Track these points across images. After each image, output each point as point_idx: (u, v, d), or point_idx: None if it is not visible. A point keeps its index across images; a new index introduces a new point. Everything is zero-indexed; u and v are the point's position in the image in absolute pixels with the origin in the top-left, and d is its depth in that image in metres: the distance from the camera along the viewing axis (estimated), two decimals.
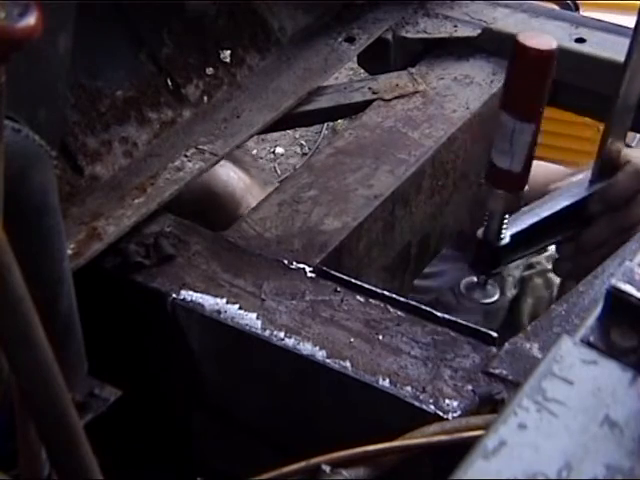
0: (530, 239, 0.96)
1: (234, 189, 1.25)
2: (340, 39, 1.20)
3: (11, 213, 0.51)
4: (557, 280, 1.20)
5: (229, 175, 1.25)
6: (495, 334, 0.83)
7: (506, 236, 0.92)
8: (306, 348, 0.82)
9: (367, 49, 1.21)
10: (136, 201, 0.93)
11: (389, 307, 0.86)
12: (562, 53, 1.18)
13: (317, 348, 0.82)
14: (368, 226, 0.99)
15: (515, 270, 1.36)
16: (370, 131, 1.11)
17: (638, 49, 0.83)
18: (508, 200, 0.87)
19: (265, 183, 1.35)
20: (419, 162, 1.06)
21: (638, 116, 1.21)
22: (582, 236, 0.97)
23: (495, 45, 1.23)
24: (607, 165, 0.96)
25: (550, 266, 1.34)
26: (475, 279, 0.95)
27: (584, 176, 1.00)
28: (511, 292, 1.32)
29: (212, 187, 1.19)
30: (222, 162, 1.01)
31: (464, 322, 0.84)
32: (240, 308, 0.86)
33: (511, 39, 1.21)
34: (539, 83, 0.80)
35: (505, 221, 0.90)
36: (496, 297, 0.94)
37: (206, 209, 1.11)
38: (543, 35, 0.81)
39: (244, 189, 1.26)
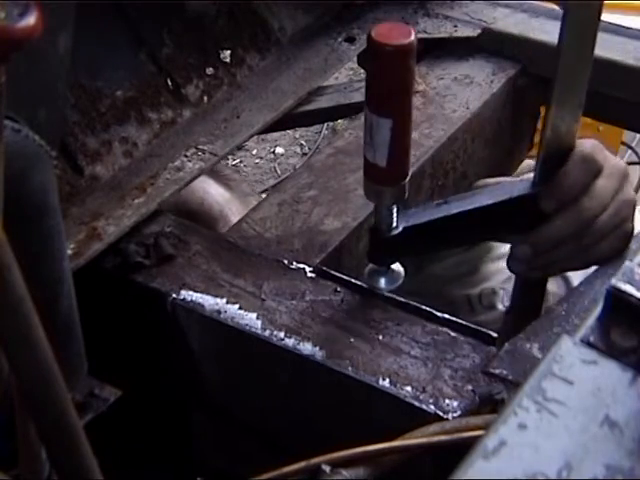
0: (432, 235, 0.89)
1: (211, 206, 1.24)
2: (340, 39, 1.20)
3: (11, 213, 0.51)
4: (552, 290, 1.15)
5: (206, 191, 1.24)
6: (495, 334, 0.83)
7: (399, 227, 0.86)
8: (306, 348, 0.82)
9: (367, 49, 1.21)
10: (136, 201, 0.93)
11: (389, 307, 0.86)
12: None
13: (317, 348, 0.82)
14: (368, 226, 0.99)
15: (507, 283, 1.32)
16: None
17: (570, 28, 0.78)
18: (386, 193, 0.82)
19: (246, 195, 1.34)
20: (419, 162, 1.06)
21: (638, 115, 1.21)
22: (538, 235, 0.87)
23: (495, 45, 1.23)
24: (550, 165, 0.86)
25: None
26: (377, 266, 0.89)
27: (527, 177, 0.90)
28: (503, 305, 1.30)
29: (188, 204, 1.19)
30: (200, 177, 1.00)
31: (464, 322, 0.84)
32: (240, 308, 0.86)
33: (511, 39, 1.22)
34: (393, 78, 0.76)
35: (394, 212, 0.85)
36: (400, 282, 0.89)
37: None
38: (402, 27, 0.75)
39: (222, 204, 1.25)
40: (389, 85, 0.76)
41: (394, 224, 0.86)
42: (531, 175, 0.88)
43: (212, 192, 1.18)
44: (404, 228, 0.86)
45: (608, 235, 0.88)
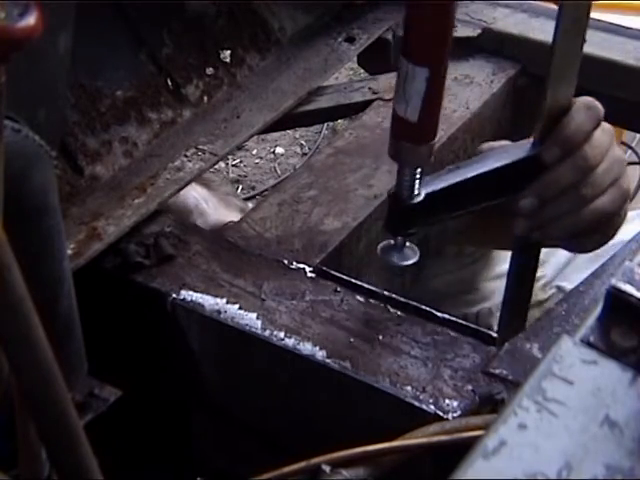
0: (450, 200, 0.87)
1: (186, 198, 1.21)
2: (340, 39, 1.20)
3: (11, 213, 0.51)
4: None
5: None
6: (495, 334, 0.83)
7: (421, 194, 0.83)
8: (306, 348, 0.82)
9: (367, 49, 1.21)
10: (136, 201, 0.93)
11: (389, 307, 0.86)
12: None
13: (317, 348, 0.82)
14: (368, 226, 0.99)
15: None
16: (370, 131, 1.11)
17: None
18: (413, 153, 0.79)
19: (226, 193, 1.33)
20: None
21: (638, 115, 1.21)
22: (542, 182, 0.86)
23: (495, 45, 1.23)
24: (551, 125, 0.86)
25: (546, 296, 1.29)
26: (392, 242, 0.85)
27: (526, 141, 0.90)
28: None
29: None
30: None
31: (464, 322, 0.84)
32: (240, 308, 0.86)
33: (511, 39, 1.22)
34: (435, 24, 0.73)
35: (417, 176, 0.82)
36: (414, 259, 0.84)
37: None
38: None
39: (198, 198, 1.24)
40: (429, 31, 0.74)
41: (416, 191, 0.82)
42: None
43: (188, 188, 1.17)
44: (426, 195, 0.83)
45: (607, 189, 0.88)
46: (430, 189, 0.84)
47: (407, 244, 0.85)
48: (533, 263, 0.94)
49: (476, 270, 1.24)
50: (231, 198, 1.32)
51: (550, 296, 1.26)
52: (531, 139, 0.88)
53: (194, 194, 1.23)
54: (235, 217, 1.12)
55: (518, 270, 0.94)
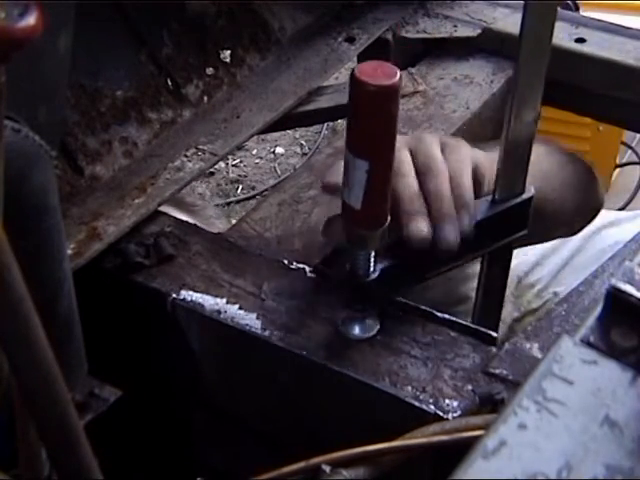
0: (407, 271, 0.85)
1: None
2: (340, 39, 1.20)
3: (11, 213, 0.51)
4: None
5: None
6: (495, 334, 0.83)
7: (376, 270, 0.81)
8: (306, 348, 0.82)
9: (367, 49, 1.21)
10: (136, 201, 0.93)
11: (389, 307, 0.86)
12: (562, 53, 1.19)
13: (317, 348, 0.82)
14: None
15: (506, 316, 1.29)
16: None
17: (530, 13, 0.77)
18: (363, 238, 0.77)
19: (209, 218, 1.32)
20: None
21: (638, 115, 1.21)
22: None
23: (495, 45, 1.23)
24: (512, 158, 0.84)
25: (540, 304, 1.28)
26: (353, 313, 0.83)
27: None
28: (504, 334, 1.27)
29: None
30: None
31: (464, 322, 0.84)
32: (240, 308, 0.86)
33: (511, 39, 1.22)
34: (373, 119, 0.71)
35: (371, 257, 0.80)
36: (375, 330, 0.82)
37: None
38: (387, 67, 0.71)
39: None
40: (368, 126, 0.72)
41: (372, 268, 0.81)
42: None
43: (170, 213, 1.15)
44: (381, 270, 0.82)
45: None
46: (386, 263, 0.82)
47: (368, 316, 0.83)
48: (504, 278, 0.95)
49: (468, 282, 1.24)
50: (215, 222, 1.30)
51: (545, 302, 1.25)
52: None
53: None
54: None
55: (488, 281, 0.95)
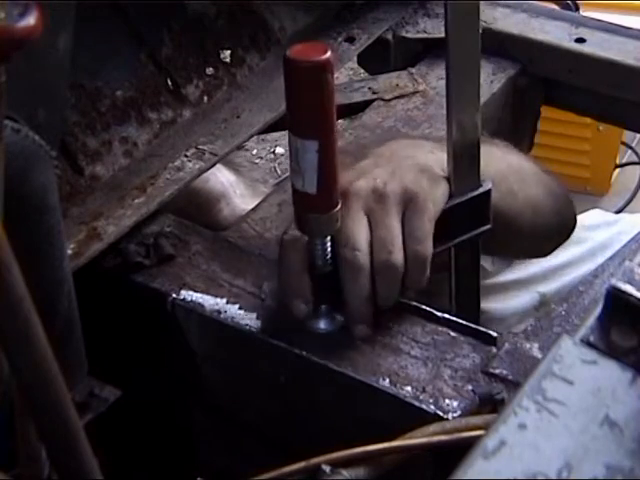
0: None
1: (215, 184, 1.21)
2: (340, 39, 1.20)
3: (11, 213, 0.51)
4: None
5: (213, 172, 1.22)
6: (495, 334, 0.83)
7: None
8: (306, 348, 0.82)
9: (367, 49, 1.21)
10: (136, 201, 0.93)
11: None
12: (562, 53, 1.19)
13: (317, 348, 0.82)
14: None
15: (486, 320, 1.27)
16: (370, 131, 1.11)
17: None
18: (319, 223, 0.77)
19: (254, 180, 1.33)
20: None
21: (638, 115, 1.21)
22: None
23: (495, 45, 1.23)
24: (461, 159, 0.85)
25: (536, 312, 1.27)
26: (318, 308, 0.82)
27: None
28: None
29: (194, 183, 1.16)
30: None
31: (464, 322, 0.84)
32: (240, 308, 0.86)
33: (511, 39, 1.22)
34: (312, 96, 0.73)
35: (328, 244, 0.79)
36: (338, 325, 0.82)
37: (181, 205, 1.07)
38: (318, 45, 0.74)
39: (226, 185, 1.23)
40: (311, 104, 0.73)
41: (328, 257, 0.80)
42: None
43: (218, 174, 1.16)
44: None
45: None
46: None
47: (332, 309, 0.83)
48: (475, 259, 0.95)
49: None
50: (259, 185, 1.31)
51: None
52: None
53: (222, 180, 1.22)
54: None
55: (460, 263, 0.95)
